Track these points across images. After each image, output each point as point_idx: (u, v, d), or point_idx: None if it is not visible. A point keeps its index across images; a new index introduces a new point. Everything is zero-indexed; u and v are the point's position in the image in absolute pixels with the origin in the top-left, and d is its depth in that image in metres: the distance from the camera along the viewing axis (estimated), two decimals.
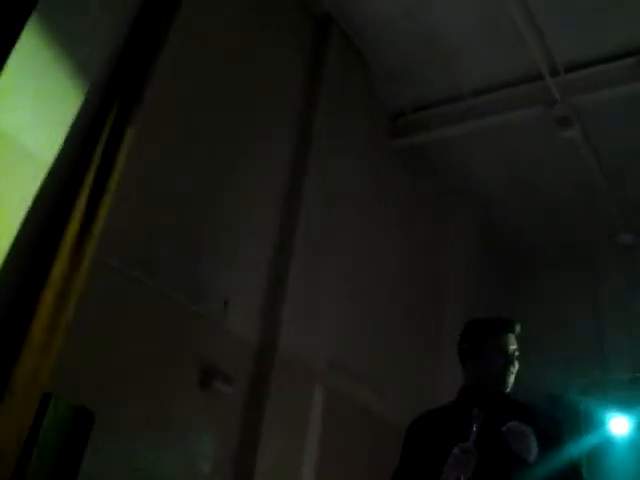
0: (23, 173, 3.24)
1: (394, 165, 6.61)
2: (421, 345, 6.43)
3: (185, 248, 4.29)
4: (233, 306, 4.49)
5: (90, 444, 3.08)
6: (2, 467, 2.76)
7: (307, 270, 5.04)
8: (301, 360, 4.78)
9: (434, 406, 2.70)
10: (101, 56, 3.76)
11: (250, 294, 4.72)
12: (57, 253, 3.23)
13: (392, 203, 6.47)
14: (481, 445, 2.26)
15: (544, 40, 5.56)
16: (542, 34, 5.51)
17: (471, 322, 2.69)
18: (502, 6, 5.22)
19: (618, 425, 6.97)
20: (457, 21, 5.68)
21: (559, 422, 2.56)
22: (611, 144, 6.49)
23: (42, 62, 3.40)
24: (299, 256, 4.99)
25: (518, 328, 2.60)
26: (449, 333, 6.28)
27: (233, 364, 4.39)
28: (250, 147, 4.91)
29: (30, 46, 3.32)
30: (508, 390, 2.53)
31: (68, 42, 3.58)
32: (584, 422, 6.90)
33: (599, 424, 6.95)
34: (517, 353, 2.55)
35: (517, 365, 2.55)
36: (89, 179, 3.48)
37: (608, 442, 6.91)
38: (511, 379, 2.53)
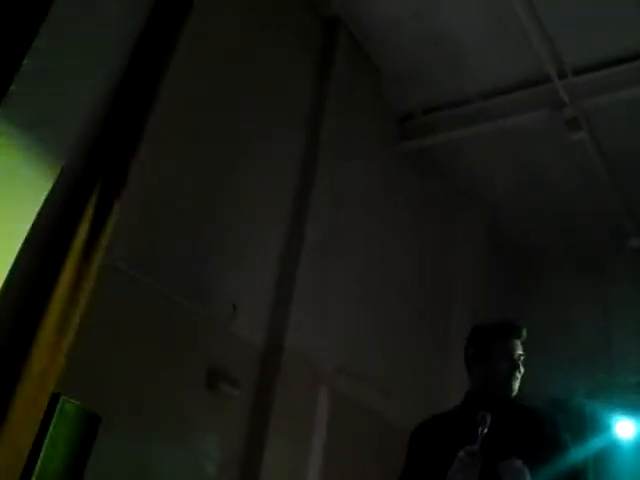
0: (32, 177, 3.26)
1: (402, 167, 6.60)
2: (429, 347, 6.43)
3: (192, 250, 4.30)
4: (240, 308, 4.50)
5: (97, 445, 3.09)
6: (11, 468, 2.78)
7: (314, 273, 5.04)
8: (308, 363, 4.79)
9: (439, 411, 2.71)
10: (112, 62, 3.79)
11: (257, 297, 4.72)
12: (66, 259, 3.24)
13: (400, 205, 6.46)
14: (487, 449, 2.27)
15: (552, 43, 5.55)
16: (550, 37, 5.50)
17: (478, 326, 2.69)
18: (510, 9, 5.21)
19: (624, 428, 6.95)
20: (465, 24, 5.68)
21: (563, 427, 2.56)
22: (620, 146, 6.47)
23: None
24: (306, 258, 4.99)
25: (524, 333, 2.61)
26: (457, 335, 6.27)
27: (240, 367, 4.41)
28: (258, 148, 4.91)
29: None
30: (514, 394, 2.54)
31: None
32: (590, 425, 6.88)
33: (605, 427, 6.93)
34: (523, 358, 2.56)
35: (523, 370, 2.56)
36: (98, 185, 3.50)
37: (614, 445, 6.90)
38: (517, 384, 2.54)
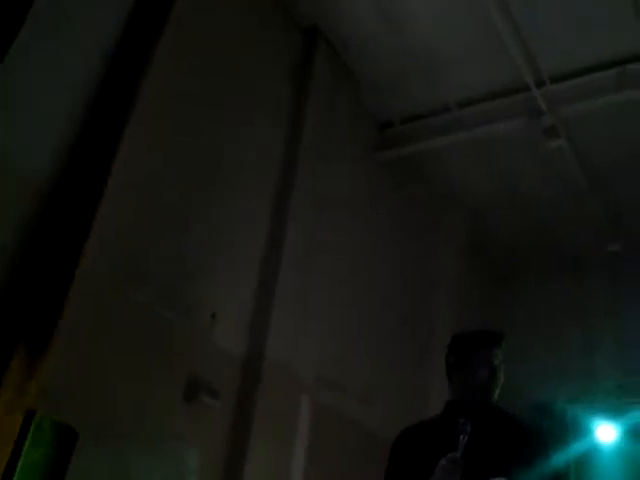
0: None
1: (383, 174, 6.62)
2: (411, 353, 6.43)
3: (171, 261, 4.27)
4: (220, 318, 4.48)
5: (74, 461, 3.06)
6: None
7: (295, 281, 5.03)
8: (288, 372, 4.77)
9: (421, 419, 2.72)
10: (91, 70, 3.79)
11: (237, 307, 4.71)
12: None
13: (382, 212, 6.48)
14: (468, 456, 2.27)
15: (529, 51, 5.60)
16: (527, 45, 5.54)
17: (458, 335, 2.72)
18: (487, 17, 5.24)
19: (605, 433, 7.00)
20: (443, 32, 5.70)
21: (543, 434, 2.59)
22: (598, 154, 6.54)
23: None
24: (286, 269, 4.98)
25: (504, 341, 2.63)
26: (439, 341, 6.27)
27: (220, 377, 4.38)
28: (238, 161, 4.90)
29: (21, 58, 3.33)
30: (493, 402, 2.55)
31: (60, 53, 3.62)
32: (571, 430, 6.92)
33: (586, 432, 6.98)
34: (502, 366, 2.58)
35: (503, 378, 2.58)
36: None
37: (595, 450, 6.94)
38: (496, 391, 2.56)
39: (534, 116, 5.96)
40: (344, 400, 5.47)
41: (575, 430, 6.93)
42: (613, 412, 6.98)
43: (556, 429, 6.77)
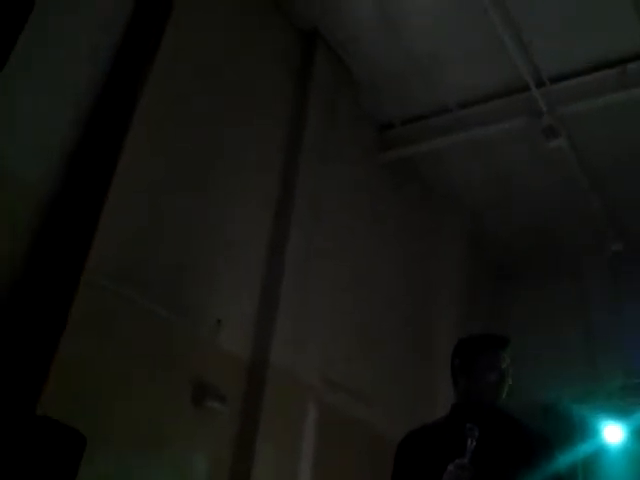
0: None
1: (384, 177, 6.63)
2: (415, 355, 6.42)
3: (177, 266, 4.27)
4: (225, 323, 4.48)
5: (84, 466, 3.05)
6: None
7: (298, 286, 5.03)
8: (294, 376, 4.77)
9: (426, 421, 2.70)
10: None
11: (242, 311, 4.70)
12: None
13: (382, 215, 6.48)
14: (476, 461, 2.26)
15: (529, 51, 5.61)
16: (527, 45, 5.56)
17: (464, 339, 2.69)
18: (487, 19, 5.26)
19: (612, 433, 6.97)
20: (442, 34, 5.72)
21: (550, 439, 2.57)
22: (598, 153, 6.54)
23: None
24: (290, 272, 4.98)
25: (509, 344, 2.61)
26: (442, 342, 6.28)
27: (226, 382, 4.37)
28: (239, 165, 4.91)
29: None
30: (499, 405, 2.54)
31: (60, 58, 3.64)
32: (578, 431, 6.89)
33: (593, 433, 6.94)
34: (510, 369, 2.56)
35: (509, 381, 2.56)
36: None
37: (602, 450, 6.91)
38: (502, 395, 2.54)
39: (534, 116, 5.97)
40: (350, 402, 5.45)
41: (582, 431, 6.90)
42: (619, 412, 6.95)
43: (563, 430, 6.74)
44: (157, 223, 4.19)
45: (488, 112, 6.16)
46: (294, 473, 4.62)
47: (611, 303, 7.63)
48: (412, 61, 5.95)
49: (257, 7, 5.40)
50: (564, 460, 2.59)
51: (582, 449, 6.63)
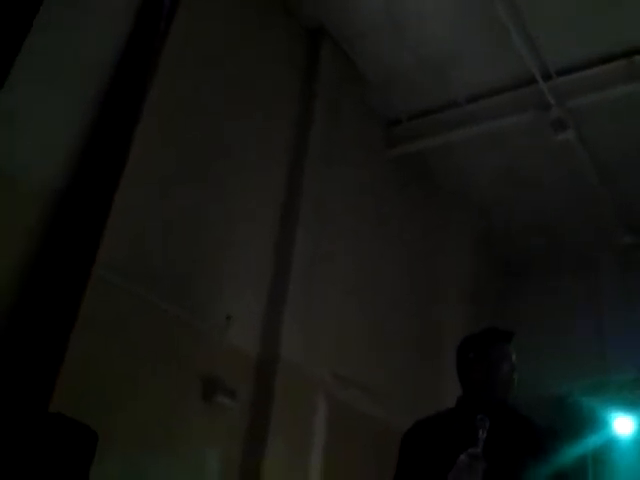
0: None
1: (391, 173, 6.62)
2: (423, 354, 6.42)
3: (185, 264, 4.30)
4: (234, 319, 4.50)
5: (94, 465, 3.08)
6: None
7: (306, 282, 5.05)
8: (303, 371, 4.79)
9: (428, 414, 2.71)
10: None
11: (251, 307, 4.73)
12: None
13: (390, 211, 6.48)
14: (486, 452, 2.27)
15: (535, 44, 5.58)
16: (533, 38, 5.52)
17: (471, 335, 2.71)
18: (493, 12, 5.24)
19: (622, 425, 6.97)
20: (448, 28, 5.71)
21: (557, 432, 2.59)
22: (607, 146, 6.50)
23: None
24: (298, 268, 5.01)
25: (514, 337, 2.65)
26: (449, 341, 6.27)
27: (235, 378, 4.40)
28: (246, 162, 4.93)
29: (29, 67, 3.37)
30: (509, 399, 2.56)
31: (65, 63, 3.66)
32: (588, 423, 6.89)
33: (603, 425, 6.95)
34: (516, 364, 2.59)
35: (517, 376, 2.59)
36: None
37: (613, 442, 6.91)
38: (514, 387, 2.57)
39: (541, 109, 5.95)
40: (359, 398, 5.47)
41: (592, 423, 6.90)
42: (630, 405, 6.95)
43: (573, 422, 6.75)
44: (165, 220, 4.21)
45: (496, 106, 6.14)
46: (304, 468, 4.65)
47: (621, 297, 7.60)
48: (418, 56, 5.94)
49: (263, 4, 5.40)
50: (572, 453, 2.61)
51: (592, 441, 6.64)
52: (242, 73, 5.04)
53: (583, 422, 6.87)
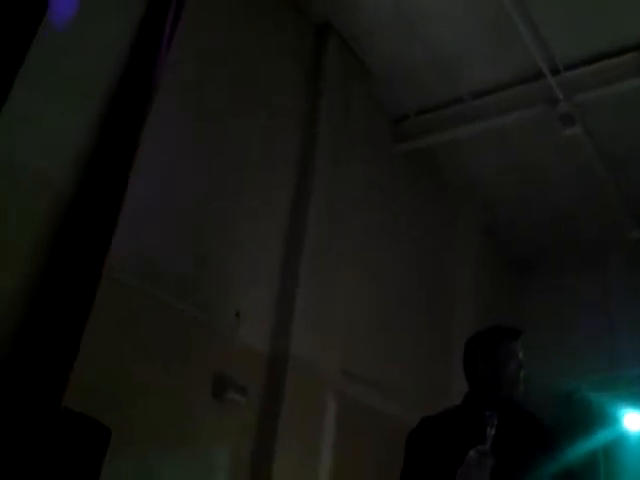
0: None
1: (399, 169, 6.61)
2: (432, 351, 6.42)
3: (195, 261, 4.31)
4: (244, 316, 4.51)
5: (106, 460, 3.09)
6: None
7: (317, 278, 5.05)
8: (314, 368, 4.79)
9: (435, 411, 2.71)
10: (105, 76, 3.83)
11: (261, 304, 4.73)
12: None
13: (399, 207, 6.47)
14: (496, 448, 2.27)
15: (543, 38, 5.55)
16: (541, 32, 5.49)
17: (478, 332, 2.71)
18: (500, 7, 5.23)
19: (632, 421, 6.96)
20: (456, 23, 5.68)
21: (563, 433, 2.61)
22: (615, 140, 6.47)
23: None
24: (308, 265, 5.01)
25: (521, 335, 2.65)
26: (458, 338, 6.27)
27: (246, 375, 4.41)
28: (255, 160, 4.93)
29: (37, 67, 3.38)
30: (517, 397, 2.57)
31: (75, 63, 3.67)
32: (598, 419, 6.89)
33: (613, 420, 6.93)
34: (523, 362, 2.60)
35: (524, 373, 2.60)
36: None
37: (622, 438, 6.90)
38: (522, 384, 2.57)
39: (549, 104, 5.92)
40: (370, 394, 5.47)
41: (602, 419, 6.89)
42: (639, 401, 6.94)
43: (583, 418, 6.75)
44: (176, 219, 4.22)
45: (503, 101, 6.11)
46: (315, 465, 4.65)
47: (629, 293, 7.59)
48: (426, 52, 5.92)
49: (270, 1, 5.39)
50: (582, 450, 2.63)
51: (602, 437, 6.63)
52: (248, 70, 5.03)
53: (592, 418, 6.86)
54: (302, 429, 4.59)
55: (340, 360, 5.16)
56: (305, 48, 5.76)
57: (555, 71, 5.80)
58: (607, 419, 6.91)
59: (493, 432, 2.28)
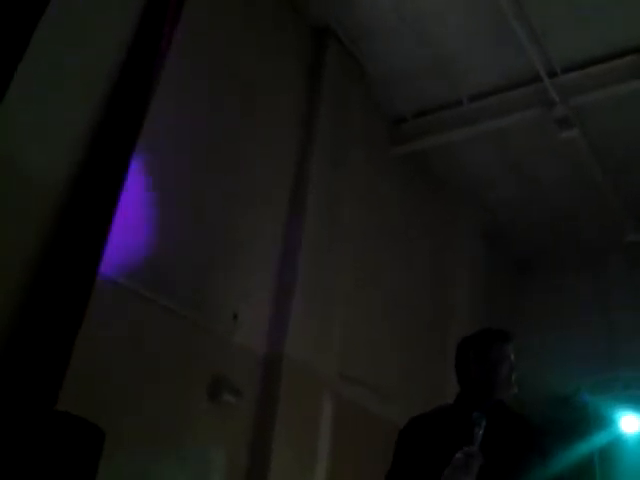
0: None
1: (397, 171, 6.63)
2: (430, 353, 6.42)
3: (192, 263, 4.31)
4: (241, 319, 4.52)
5: (102, 462, 3.09)
6: None
7: (313, 281, 5.06)
8: (309, 370, 4.80)
9: (424, 411, 2.72)
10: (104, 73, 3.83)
11: (258, 306, 4.74)
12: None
13: (396, 209, 6.48)
14: (484, 450, 2.28)
15: (540, 42, 5.57)
16: (538, 36, 5.51)
17: (470, 335, 2.72)
18: (498, 9, 5.23)
19: (629, 423, 6.97)
20: (453, 26, 5.70)
21: (552, 436, 2.61)
22: (612, 143, 6.49)
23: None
24: (305, 268, 5.01)
25: (513, 338, 2.66)
26: (458, 336, 6.27)
27: (242, 376, 4.42)
28: (253, 161, 4.94)
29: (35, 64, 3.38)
30: (507, 399, 2.58)
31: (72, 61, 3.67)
32: (594, 421, 6.89)
33: (610, 423, 6.94)
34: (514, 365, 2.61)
35: (515, 376, 2.60)
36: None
37: (619, 440, 6.91)
38: (513, 386, 2.58)
39: (546, 107, 5.94)
40: (366, 397, 5.48)
41: (599, 421, 6.90)
42: (636, 403, 6.95)
43: (580, 420, 6.75)
44: (172, 222, 4.22)
45: (500, 104, 6.13)
46: (310, 466, 4.66)
47: (628, 293, 7.60)
48: (424, 54, 5.94)
49: (270, 2, 5.40)
50: (578, 451, 2.63)
51: (599, 439, 6.64)
52: (247, 70, 5.04)
53: (589, 420, 6.87)
54: (298, 431, 4.60)
55: (337, 362, 5.17)
56: (304, 50, 5.77)
57: (552, 74, 5.82)
58: (604, 421, 6.91)
59: (481, 433, 2.28)
